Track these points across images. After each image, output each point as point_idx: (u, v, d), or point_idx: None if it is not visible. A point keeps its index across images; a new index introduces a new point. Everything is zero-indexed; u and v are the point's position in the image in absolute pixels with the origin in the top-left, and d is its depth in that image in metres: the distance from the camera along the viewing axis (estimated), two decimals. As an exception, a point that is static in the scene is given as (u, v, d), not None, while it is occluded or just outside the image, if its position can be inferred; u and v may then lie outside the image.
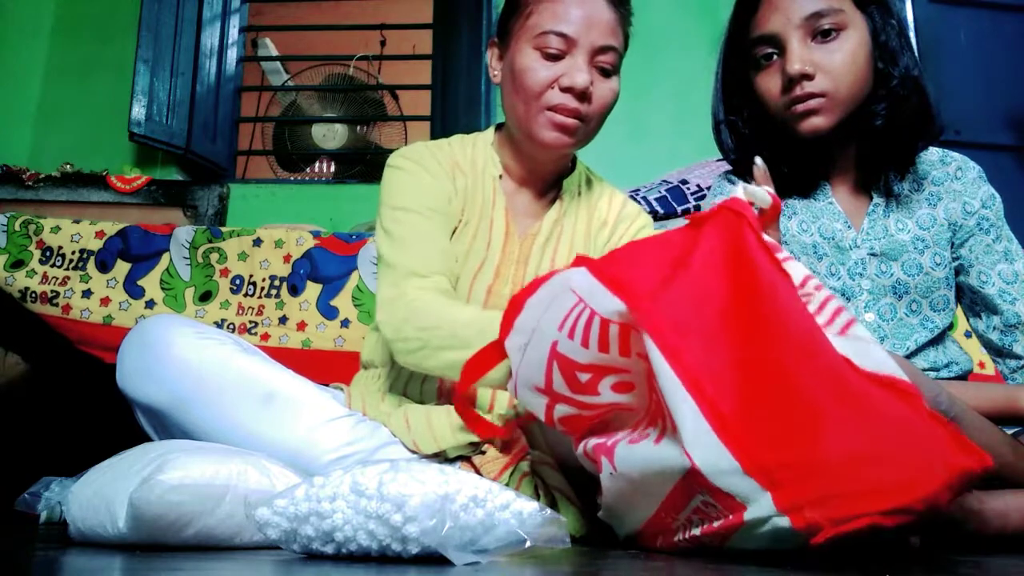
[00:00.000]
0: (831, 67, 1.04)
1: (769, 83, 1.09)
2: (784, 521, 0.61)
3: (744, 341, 0.66)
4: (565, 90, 1.06)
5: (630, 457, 0.74)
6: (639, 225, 1.22)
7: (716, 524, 0.67)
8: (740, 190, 0.76)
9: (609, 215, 1.22)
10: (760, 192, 0.80)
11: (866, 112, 1.09)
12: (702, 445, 0.64)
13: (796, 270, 0.71)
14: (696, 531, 0.70)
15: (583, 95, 1.06)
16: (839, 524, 0.58)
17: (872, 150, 1.12)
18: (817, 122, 1.06)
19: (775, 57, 1.08)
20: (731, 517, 0.65)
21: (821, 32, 1.05)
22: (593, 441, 0.81)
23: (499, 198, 1.16)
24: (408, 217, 1.08)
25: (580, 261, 0.77)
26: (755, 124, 1.15)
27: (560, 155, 1.15)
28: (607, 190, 1.25)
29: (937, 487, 0.56)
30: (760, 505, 0.62)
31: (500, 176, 1.17)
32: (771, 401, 0.63)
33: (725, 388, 0.65)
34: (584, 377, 0.76)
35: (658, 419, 0.73)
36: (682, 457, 0.65)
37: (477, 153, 1.19)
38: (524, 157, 1.17)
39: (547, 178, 1.20)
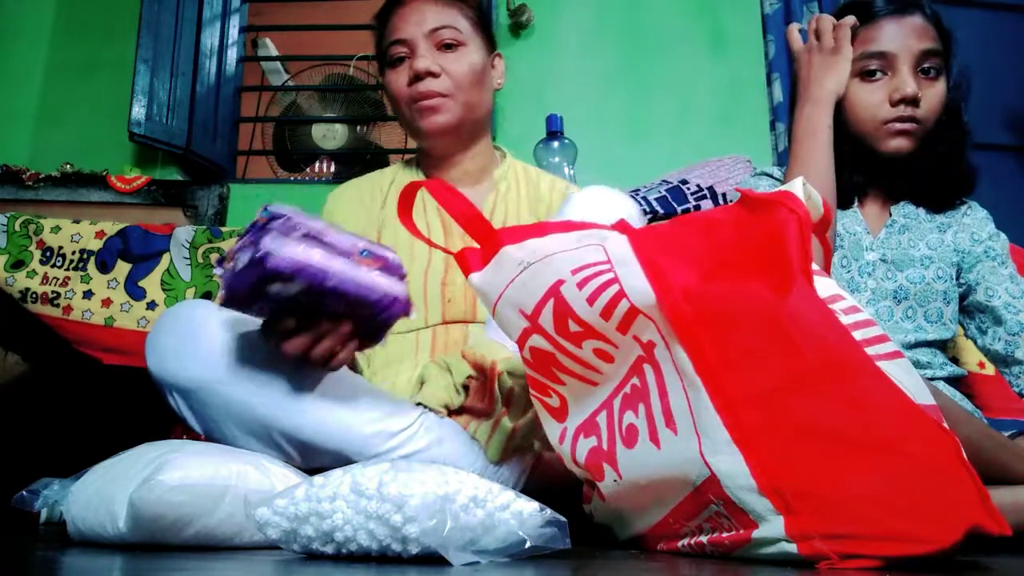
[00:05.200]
0: (930, 101, 1.18)
1: (872, 96, 1.17)
2: (791, 547, 0.60)
3: (780, 353, 0.63)
4: (413, 81, 1.20)
5: (637, 463, 0.73)
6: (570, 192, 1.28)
7: (725, 535, 0.66)
8: (799, 185, 0.70)
9: (552, 196, 1.29)
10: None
11: (928, 154, 1.20)
12: (721, 454, 0.63)
13: (826, 285, 0.68)
14: (703, 538, 0.70)
15: (429, 74, 1.19)
16: (847, 559, 0.58)
17: (916, 187, 1.25)
18: (905, 144, 1.17)
19: (879, 73, 1.17)
20: (741, 532, 0.64)
21: (928, 69, 1.18)
22: (586, 448, 0.80)
23: (428, 202, 1.23)
24: None
25: (623, 228, 0.76)
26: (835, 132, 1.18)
27: (457, 139, 1.25)
28: (548, 177, 1.32)
29: (952, 541, 0.55)
30: (771, 526, 0.61)
31: None
32: (800, 421, 0.61)
33: (752, 400, 0.63)
34: (574, 328, 0.74)
35: (639, 403, 0.72)
36: (700, 464, 0.65)
37: (403, 174, 1.31)
38: (438, 159, 1.28)
39: (473, 171, 1.29)
